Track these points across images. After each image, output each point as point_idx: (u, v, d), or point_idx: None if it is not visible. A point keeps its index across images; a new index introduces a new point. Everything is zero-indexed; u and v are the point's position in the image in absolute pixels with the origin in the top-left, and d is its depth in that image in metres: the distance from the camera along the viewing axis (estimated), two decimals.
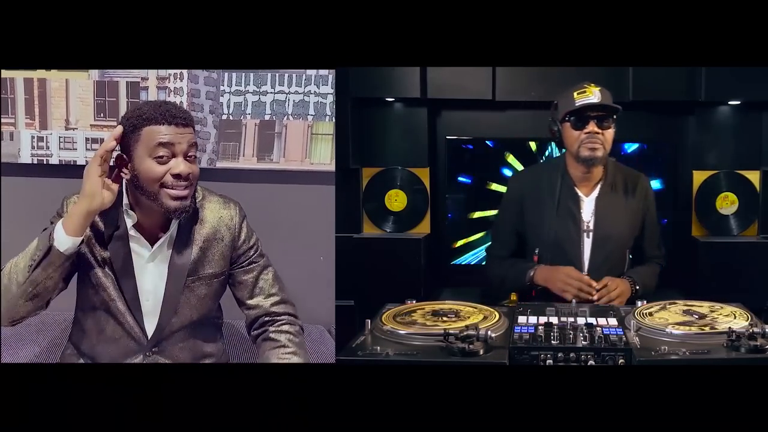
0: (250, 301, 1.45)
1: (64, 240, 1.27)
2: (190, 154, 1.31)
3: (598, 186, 1.63)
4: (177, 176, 1.29)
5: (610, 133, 1.57)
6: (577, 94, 1.56)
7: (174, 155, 1.29)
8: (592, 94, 1.55)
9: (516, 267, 1.64)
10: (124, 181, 1.33)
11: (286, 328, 1.43)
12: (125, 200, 1.36)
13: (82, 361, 1.45)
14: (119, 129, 1.30)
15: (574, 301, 1.45)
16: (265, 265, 1.48)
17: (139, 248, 1.37)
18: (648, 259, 1.72)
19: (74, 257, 1.30)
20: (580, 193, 1.63)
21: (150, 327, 1.39)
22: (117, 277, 1.36)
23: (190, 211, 1.34)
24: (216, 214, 1.43)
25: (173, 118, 1.29)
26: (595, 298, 1.52)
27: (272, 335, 1.41)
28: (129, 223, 1.36)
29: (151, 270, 1.38)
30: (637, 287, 1.58)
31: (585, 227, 1.61)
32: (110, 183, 1.30)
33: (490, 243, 1.84)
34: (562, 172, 1.64)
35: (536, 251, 1.60)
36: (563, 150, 1.67)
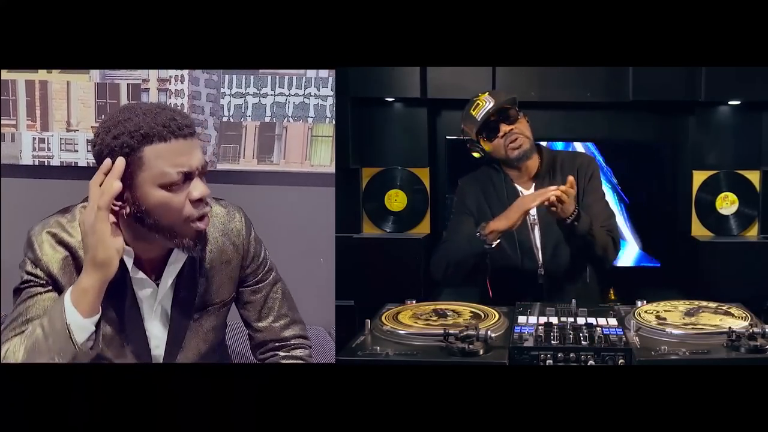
0: (258, 324, 1.29)
1: (84, 326, 1.01)
2: (204, 172, 1.08)
3: (535, 178, 1.64)
4: (199, 201, 1.06)
5: (522, 123, 1.59)
6: (473, 110, 1.59)
7: (189, 177, 1.04)
8: (485, 102, 1.58)
9: (464, 232, 1.59)
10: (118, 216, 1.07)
11: (297, 353, 1.32)
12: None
13: None
14: (121, 163, 1.00)
15: (574, 301, 1.44)
16: (274, 281, 1.31)
17: (144, 291, 1.15)
18: None
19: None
20: (519, 188, 1.64)
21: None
22: (120, 332, 1.15)
23: (201, 245, 1.14)
24: (220, 230, 1.22)
25: (179, 130, 1.03)
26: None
27: (283, 362, 1.30)
28: (129, 263, 1.11)
29: (158, 311, 1.19)
30: (576, 220, 1.49)
31: (531, 221, 1.61)
32: (119, 236, 1.03)
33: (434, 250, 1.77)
34: (501, 170, 1.65)
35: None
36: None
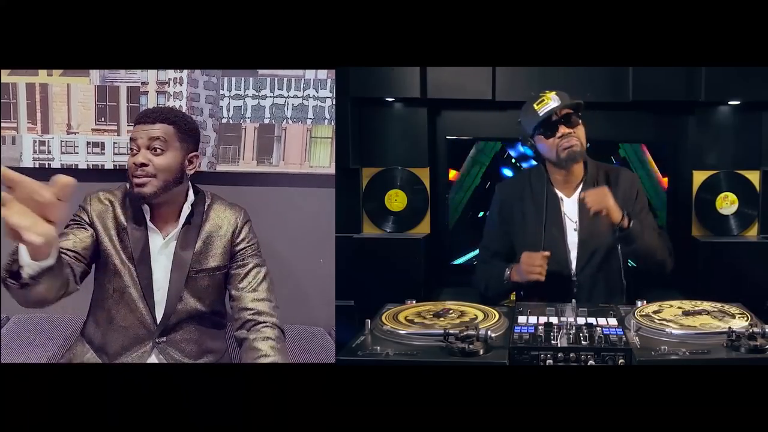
0: (234, 293, 1.52)
1: (27, 263, 1.11)
2: (152, 146, 1.43)
3: (580, 185, 1.64)
4: (139, 165, 1.42)
5: (580, 129, 1.59)
6: (537, 105, 1.58)
7: (139, 148, 1.43)
8: (551, 100, 1.57)
9: (496, 269, 1.65)
10: None
11: (267, 332, 1.46)
12: None
13: (89, 355, 1.49)
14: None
15: (574, 300, 1.45)
16: (260, 264, 1.55)
17: (154, 239, 1.48)
18: None
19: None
20: (561, 195, 1.64)
21: (159, 316, 1.48)
22: (135, 265, 1.46)
23: (151, 201, 1.45)
24: (221, 213, 1.54)
25: (143, 118, 1.45)
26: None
27: (255, 344, 1.44)
28: (147, 215, 1.48)
29: (162, 261, 1.48)
30: (630, 221, 1.53)
31: (573, 227, 1.62)
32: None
33: (477, 253, 1.83)
34: (544, 177, 1.65)
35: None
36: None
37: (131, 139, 1.45)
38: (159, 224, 1.49)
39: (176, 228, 1.49)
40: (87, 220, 1.48)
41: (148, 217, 1.48)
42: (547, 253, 1.54)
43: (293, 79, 1.88)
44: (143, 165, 1.42)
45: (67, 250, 1.40)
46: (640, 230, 1.55)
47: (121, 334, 1.47)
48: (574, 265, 1.62)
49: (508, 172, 2.04)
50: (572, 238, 1.63)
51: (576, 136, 1.57)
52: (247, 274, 1.52)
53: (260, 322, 1.48)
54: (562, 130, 1.57)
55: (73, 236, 1.43)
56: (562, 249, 1.61)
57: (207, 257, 1.51)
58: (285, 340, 1.50)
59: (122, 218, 1.47)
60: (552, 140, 1.58)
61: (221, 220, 1.53)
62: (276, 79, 1.87)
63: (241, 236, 1.54)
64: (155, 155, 1.43)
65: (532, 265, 1.53)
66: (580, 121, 1.60)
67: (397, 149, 2.07)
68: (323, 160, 1.91)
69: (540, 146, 1.61)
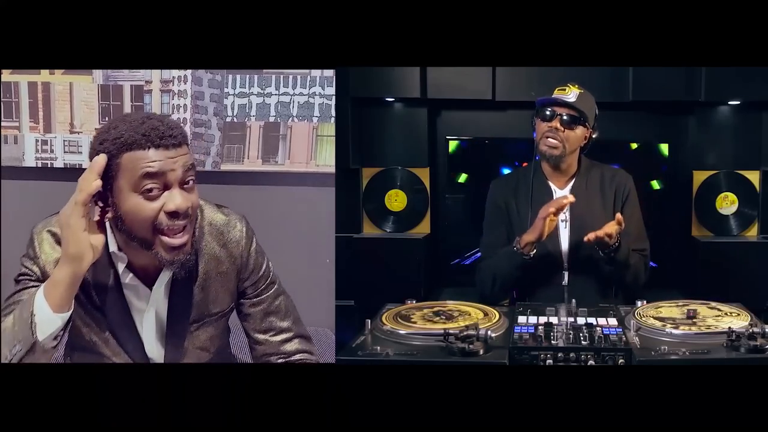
0: (258, 336, 1.26)
1: (51, 320, 0.99)
2: (187, 180, 1.05)
3: (573, 179, 1.64)
4: (173, 214, 1.03)
5: (573, 135, 1.58)
6: (558, 89, 1.59)
7: (167, 186, 1.03)
8: (570, 93, 1.57)
9: (500, 254, 1.62)
10: (108, 222, 1.09)
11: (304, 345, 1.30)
12: (111, 240, 1.10)
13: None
14: (101, 159, 1.00)
15: (574, 301, 1.45)
16: (276, 294, 1.28)
17: (136, 297, 1.15)
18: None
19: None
20: (553, 186, 1.64)
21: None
22: (116, 335, 1.15)
23: (191, 260, 1.10)
24: (217, 239, 1.19)
25: (160, 140, 1.02)
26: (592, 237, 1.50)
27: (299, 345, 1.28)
28: (120, 267, 1.11)
29: (151, 319, 1.18)
30: (620, 248, 1.53)
31: (561, 218, 1.61)
32: (96, 234, 1.02)
33: (479, 254, 1.80)
34: (539, 170, 1.66)
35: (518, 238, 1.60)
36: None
37: (149, 174, 1.00)
38: (139, 271, 1.13)
39: (163, 276, 1.13)
40: (38, 274, 1.11)
41: (122, 268, 1.10)
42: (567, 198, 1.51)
43: (299, 77, 1.86)
44: (178, 213, 1.02)
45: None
46: (624, 259, 1.55)
47: None
48: (566, 259, 1.62)
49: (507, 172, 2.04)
50: (563, 231, 1.63)
51: (561, 138, 1.57)
52: (266, 314, 1.24)
53: (291, 360, 1.28)
54: (556, 123, 1.57)
55: (30, 295, 1.05)
56: (554, 240, 1.61)
57: (207, 305, 1.19)
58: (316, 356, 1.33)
59: (86, 275, 1.06)
60: (544, 125, 1.59)
61: (219, 251, 1.18)
62: (281, 76, 1.86)
63: (249, 268, 1.21)
64: (189, 192, 1.05)
65: (546, 209, 1.51)
66: (579, 130, 1.58)
67: (397, 149, 2.07)
68: (330, 159, 1.90)
69: (536, 127, 1.62)
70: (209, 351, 1.25)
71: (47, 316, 1.00)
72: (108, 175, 1.03)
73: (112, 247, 1.11)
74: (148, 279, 1.14)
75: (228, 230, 1.21)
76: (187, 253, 1.07)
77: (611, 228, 1.47)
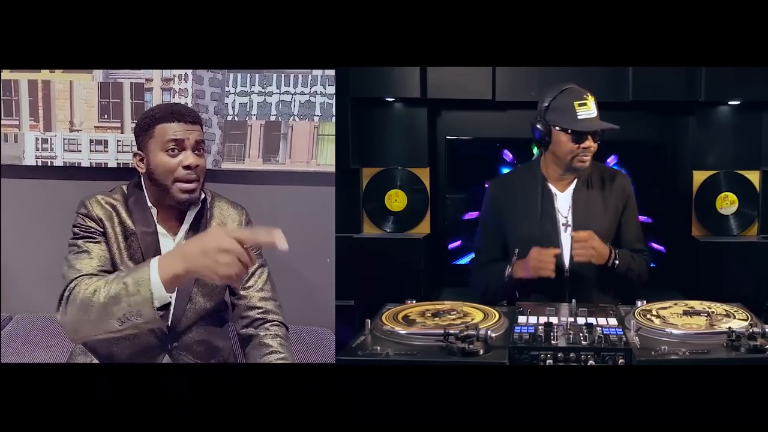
0: (241, 292, 1.52)
1: (163, 297, 1.14)
2: (198, 148, 1.44)
3: (574, 182, 1.64)
4: (187, 167, 1.40)
5: (596, 146, 1.60)
6: (578, 105, 1.56)
7: (183, 149, 1.42)
8: (591, 109, 1.56)
9: (495, 268, 1.65)
10: (143, 179, 1.46)
11: (274, 330, 1.50)
12: (147, 197, 1.46)
13: (90, 359, 1.48)
14: (279, 236, 1.19)
15: (573, 300, 1.45)
16: (263, 264, 1.56)
17: (165, 242, 1.46)
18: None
19: None
20: (554, 190, 1.64)
21: (168, 321, 1.44)
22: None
23: (198, 202, 1.47)
24: (224, 212, 1.55)
25: (181, 116, 1.42)
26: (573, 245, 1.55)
27: (265, 340, 1.47)
28: (154, 214, 1.46)
29: None
30: (617, 261, 1.56)
31: (563, 222, 1.62)
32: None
33: (473, 255, 1.82)
34: (537, 171, 1.65)
35: (516, 251, 1.60)
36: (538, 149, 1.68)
37: (172, 140, 1.40)
38: (166, 226, 1.47)
39: (182, 229, 1.48)
40: (99, 229, 1.41)
41: (155, 220, 1.46)
42: (557, 251, 1.55)
43: (300, 76, 1.85)
44: (192, 167, 1.40)
45: (101, 270, 1.33)
46: (625, 269, 1.58)
47: (130, 342, 1.42)
48: (567, 263, 1.62)
49: (505, 172, 2.04)
50: (565, 234, 1.63)
51: (592, 152, 1.58)
52: (253, 274, 1.53)
53: (268, 321, 1.51)
54: (589, 142, 1.57)
55: (95, 254, 1.36)
56: (555, 244, 1.61)
57: None
58: (289, 338, 1.53)
59: (129, 223, 1.43)
60: (570, 147, 1.57)
61: (225, 218, 1.53)
62: (282, 75, 1.85)
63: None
64: (199, 156, 1.43)
65: (544, 261, 1.53)
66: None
67: (397, 149, 2.07)
68: (331, 158, 1.89)
69: (557, 139, 1.59)
70: (212, 299, 1.51)
71: (162, 294, 1.14)
72: (145, 142, 1.43)
73: (149, 202, 1.46)
74: (172, 231, 1.48)
75: (233, 208, 1.57)
76: (195, 198, 1.44)
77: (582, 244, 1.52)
